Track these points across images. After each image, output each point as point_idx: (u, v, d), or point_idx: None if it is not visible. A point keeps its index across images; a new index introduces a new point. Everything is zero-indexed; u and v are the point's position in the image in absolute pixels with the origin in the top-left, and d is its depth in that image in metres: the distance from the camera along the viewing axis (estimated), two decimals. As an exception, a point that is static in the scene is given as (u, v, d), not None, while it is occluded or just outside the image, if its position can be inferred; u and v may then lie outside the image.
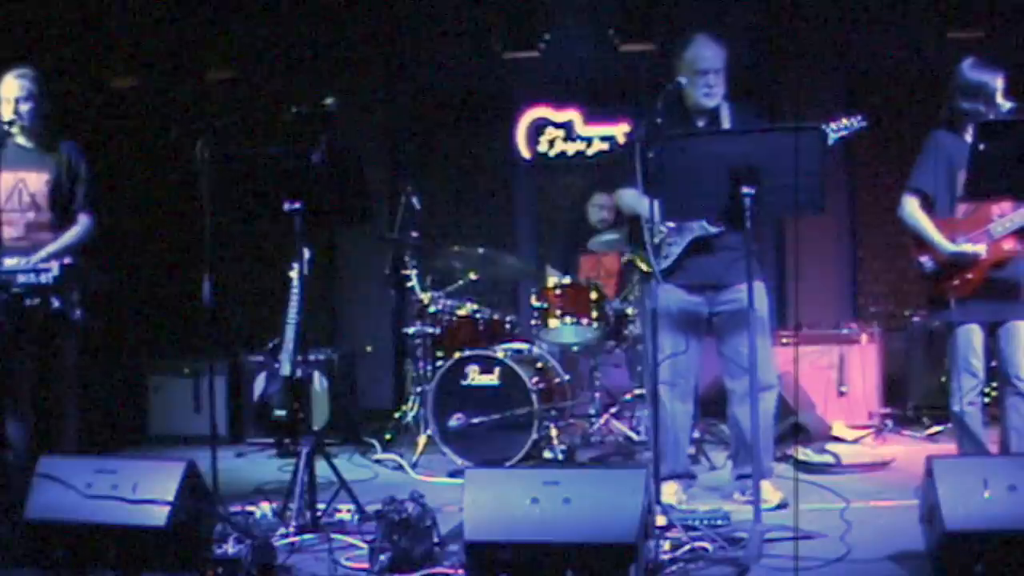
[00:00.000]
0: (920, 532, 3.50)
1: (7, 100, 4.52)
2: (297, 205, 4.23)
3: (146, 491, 3.46)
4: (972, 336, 4.34)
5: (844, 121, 4.23)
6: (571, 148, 7.94)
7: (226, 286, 7.35)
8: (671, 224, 4.38)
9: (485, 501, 3.34)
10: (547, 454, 5.49)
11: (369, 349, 7.48)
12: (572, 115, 7.93)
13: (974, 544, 3.21)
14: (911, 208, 4.42)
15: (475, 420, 5.35)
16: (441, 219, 7.58)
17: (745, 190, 3.66)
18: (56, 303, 4.36)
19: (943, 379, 6.15)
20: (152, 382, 6.76)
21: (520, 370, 5.34)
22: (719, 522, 3.87)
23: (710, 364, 4.74)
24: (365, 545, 3.67)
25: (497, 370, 5.39)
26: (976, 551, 3.21)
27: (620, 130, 7.73)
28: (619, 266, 6.64)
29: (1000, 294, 4.29)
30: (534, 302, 5.88)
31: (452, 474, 5.25)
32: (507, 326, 6.06)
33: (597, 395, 6.31)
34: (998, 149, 3.68)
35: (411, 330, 6.01)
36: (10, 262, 4.34)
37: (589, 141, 7.92)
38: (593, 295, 5.80)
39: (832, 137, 4.15)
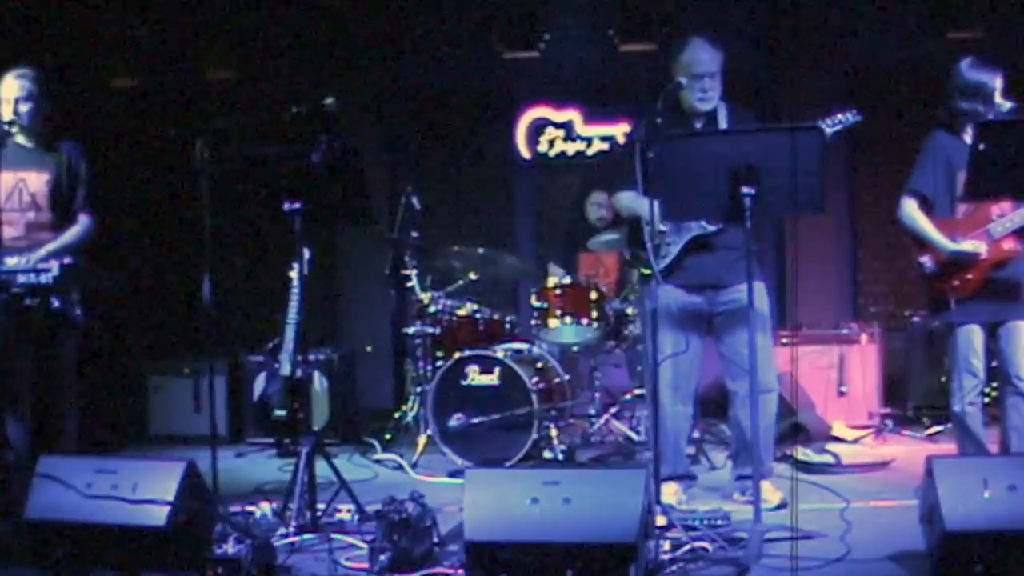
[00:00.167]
0: (920, 532, 3.50)
1: (7, 100, 4.52)
2: (297, 205, 4.23)
3: (146, 491, 3.46)
4: (972, 336, 4.35)
5: (839, 116, 4.24)
6: (571, 148, 7.94)
7: (226, 286, 7.35)
8: (668, 225, 4.38)
9: (485, 501, 3.34)
10: (547, 454, 5.49)
11: (369, 349, 7.49)
12: (572, 115, 7.93)
13: (974, 544, 3.21)
14: (910, 210, 4.42)
15: (475, 420, 5.35)
16: (441, 219, 7.58)
17: (745, 190, 3.67)
18: (56, 303, 4.36)
19: (943, 379, 6.15)
20: (152, 382, 6.75)
21: (520, 370, 5.34)
22: (719, 522, 3.87)
23: (710, 364, 4.74)
24: (365, 545, 3.66)
25: (497, 370, 5.39)
26: (976, 551, 3.21)
27: (620, 130, 7.73)
28: (619, 265, 6.64)
29: (1000, 294, 4.29)
30: (534, 302, 5.88)
31: (452, 474, 5.25)
32: (507, 326, 6.06)
33: (597, 395, 6.30)
34: (998, 149, 3.68)
35: (411, 330, 6.01)
36: (10, 261, 4.34)
37: (589, 141, 7.92)
38: (593, 295, 5.80)
39: (828, 132, 4.15)
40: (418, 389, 6.03)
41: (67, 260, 4.38)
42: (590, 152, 7.91)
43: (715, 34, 4.45)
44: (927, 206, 4.40)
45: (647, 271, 4.46)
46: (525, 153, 7.96)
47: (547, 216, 8.06)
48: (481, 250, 5.98)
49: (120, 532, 3.44)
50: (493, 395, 5.35)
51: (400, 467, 5.54)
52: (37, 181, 4.61)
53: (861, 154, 7.55)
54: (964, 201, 4.29)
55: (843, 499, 4.42)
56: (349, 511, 4.18)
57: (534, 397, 5.27)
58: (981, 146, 3.70)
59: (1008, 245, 4.26)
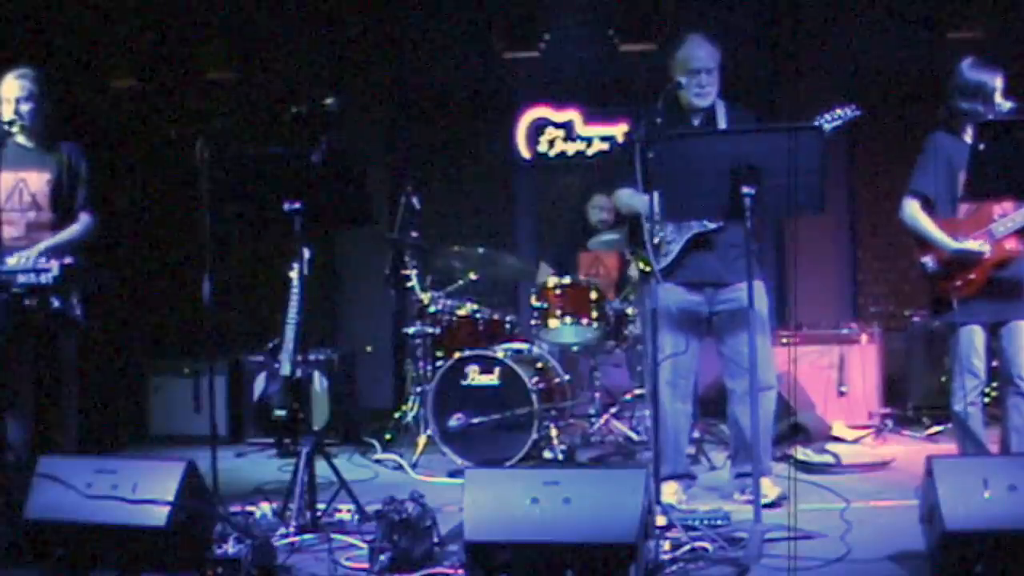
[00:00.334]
0: (920, 532, 3.50)
1: (8, 100, 4.52)
2: (297, 205, 4.23)
3: (146, 491, 3.46)
4: (974, 336, 4.34)
5: (837, 111, 4.24)
6: (571, 148, 7.94)
7: (226, 286, 7.35)
8: (668, 224, 4.38)
9: (485, 501, 3.34)
10: (547, 454, 5.49)
11: (369, 349, 7.48)
12: (572, 115, 7.93)
13: (974, 544, 3.21)
14: (912, 210, 4.42)
15: (475, 420, 5.35)
16: (441, 219, 7.58)
17: (745, 190, 3.66)
18: (56, 303, 4.36)
19: (943, 379, 6.15)
20: (152, 382, 6.75)
21: (520, 370, 5.34)
22: (719, 522, 3.87)
23: (710, 364, 4.74)
24: (365, 545, 3.66)
25: (497, 370, 5.39)
26: (976, 551, 3.21)
27: (620, 130, 7.73)
28: (619, 265, 6.64)
29: (1002, 294, 4.28)
30: (534, 302, 5.88)
31: (452, 474, 5.25)
32: (507, 326, 6.06)
33: (597, 395, 6.30)
34: (998, 149, 3.68)
35: (411, 330, 6.01)
36: (11, 261, 4.34)
37: (589, 141, 7.92)
38: (593, 295, 5.80)
39: (827, 128, 4.15)
40: (418, 389, 6.03)
41: (67, 260, 4.38)
42: (590, 152, 7.91)
43: (712, 32, 4.45)
44: (929, 206, 4.40)
45: (647, 269, 4.46)
46: (525, 153, 7.96)
47: (547, 216, 8.06)
48: (481, 250, 5.99)
49: (120, 532, 3.44)
50: (493, 395, 5.35)
51: (400, 467, 5.54)
52: (38, 181, 4.61)
53: (861, 154, 7.56)
54: (964, 201, 4.28)
55: (843, 499, 4.42)
56: (349, 511, 4.18)
57: (534, 397, 5.27)
58: (981, 146, 3.70)
59: (1010, 245, 4.25)
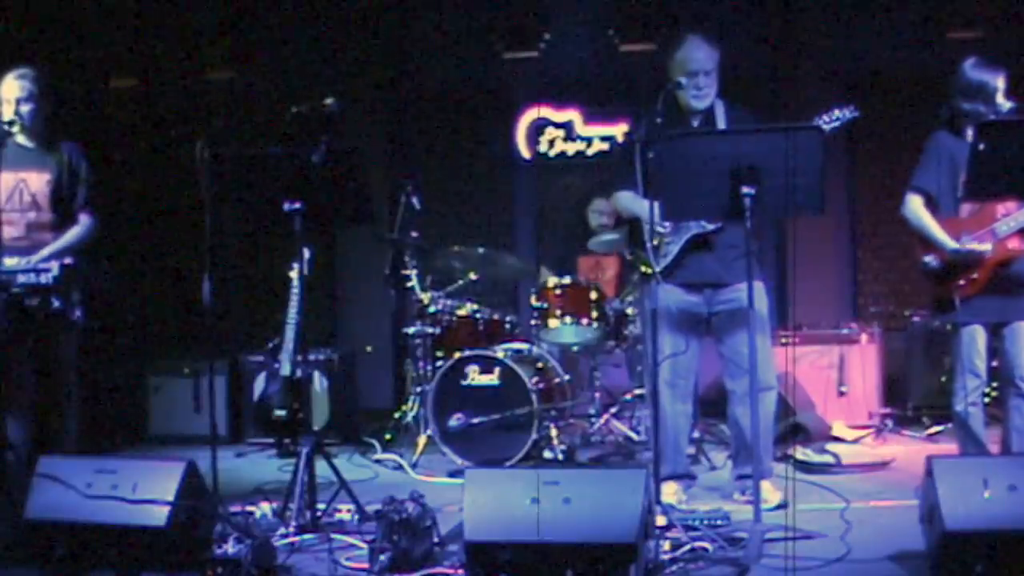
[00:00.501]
0: (920, 532, 3.50)
1: (8, 100, 4.52)
2: (297, 205, 4.23)
3: (146, 491, 3.47)
4: (976, 336, 4.34)
5: (836, 112, 4.24)
6: (571, 148, 7.94)
7: (226, 286, 7.35)
8: (668, 225, 4.38)
9: (485, 501, 3.34)
10: (547, 454, 5.49)
11: (369, 349, 7.48)
12: (572, 115, 7.93)
13: (974, 544, 3.21)
14: (915, 206, 4.42)
15: (475, 420, 5.35)
16: (441, 219, 7.58)
17: (745, 190, 3.66)
18: (56, 303, 4.36)
19: (943, 379, 6.16)
20: (152, 382, 6.75)
21: (520, 370, 5.34)
22: (719, 522, 3.87)
23: (710, 364, 4.74)
24: (365, 545, 3.66)
25: (497, 370, 5.39)
26: (976, 551, 3.21)
27: (620, 130, 7.72)
28: (619, 266, 6.64)
29: (1005, 293, 4.27)
30: (534, 302, 5.88)
31: (452, 474, 5.25)
32: (507, 326, 6.06)
33: (597, 395, 6.30)
34: (998, 149, 3.67)
35: (411, 330, 6.01)
36: (10, 262, 4.34)
37: (589, 141, 7.92)
38: (593, 295, 5.80)
39: (825, 130, 4.14)
40: (418, 389, 6.03)
41: (67, 260, 4.38)
42: (590, 152, 7.91)
43: (711, 32, 4.45)
44: (931, 205, 4.40)
45: (647, 270, 4.46)
46: (525, 153, 7.96)
47: (547, 216, 8.06)
48: (481, 250, 5.98)
49: (120, 532, 3.44)
50: (493, 395, 5.35)
51: (400, 467, 5.54)
52: (38, 181, 4.61)
53: (861, 154, 7.56)
54: (965, 201, 4.28)
55: (843, 499, 4.43)
56: (349, 511, 4.18)
57: (534, 397, 5.27)
58: (981, 146, 3.69)
59: (1013, 244, 4.25)
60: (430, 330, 5.90)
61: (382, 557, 3.47)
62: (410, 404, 6.18)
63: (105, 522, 3.46)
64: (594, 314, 5.77)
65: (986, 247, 4.24)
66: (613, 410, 6.30)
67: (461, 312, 5.96)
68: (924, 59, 7.17)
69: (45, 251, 4.50)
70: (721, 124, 4.45)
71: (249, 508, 4.15)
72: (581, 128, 7.93)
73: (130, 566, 3.46)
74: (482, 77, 7.86)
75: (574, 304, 5.78)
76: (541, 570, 3.28)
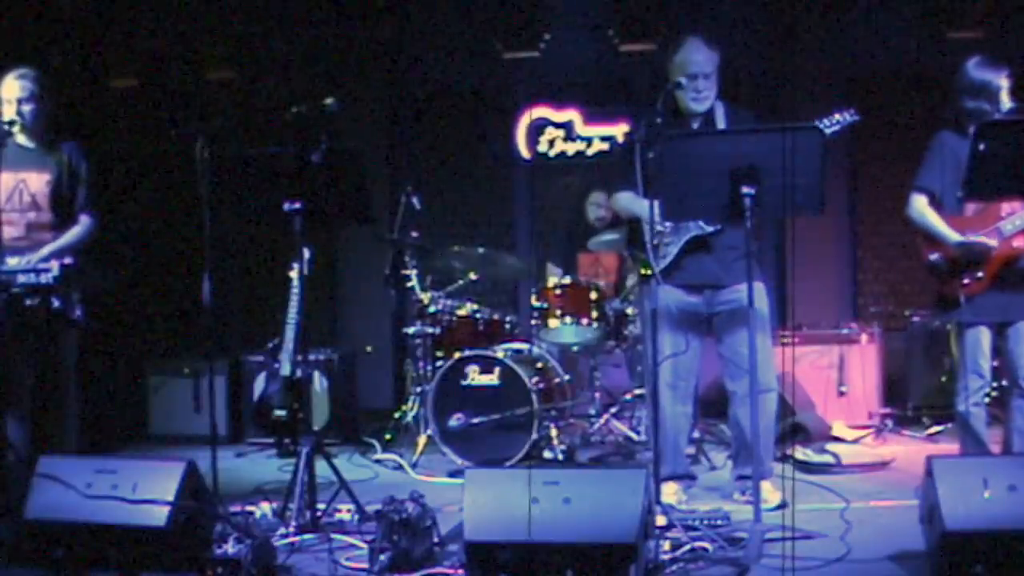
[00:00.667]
0: (920, 532, 3.50)
1: (8, 101, 4.52)
2: (297, 205, 4.23)
3: (146, 491, 3.47)
4: (980, 336, 4.33)
5: (837, 116, 4.24)
6: (571, 148, 7.94)
7: (226, 286, 7.35)
8: (667, 225, 4.38)
9: (485, 501, 3.34)
10: (547, 454, 5.49)
11: (369, 349, 7.48)
12: (572, 115, 7.93)
13: (974, 544, 3.21)
14: (919, 206, 4.41)
15: (475, 420, 5.35)
16: (441, 219, 7.58)
17: (745, 190, 3.66)
18: (56, 303, 4.36)
19: (943, 379, 6.17)
20: (152, 382, 6.75)
21: (520, 370, 5.34)
22: (719, 522, 3.87)
23: (710, 364, 4.74)
24: (365, 545, 3.67)
25: (497, 370, 5.39)
26: (976, 551, 3.21)
27: (620, 130, 7.73)
28: (619, 266, 6.64)
29: (1011, 292, 4.27)
30: (534, 302, 5.89)
31: (452, 474, 5.25)
32: (507, 326, 6.06)
33: (597, 395, 6.31)
34: (998, 149, 3.67)
35: (411, 330, 6.01)
36: (11, 262, 4.34)
37: (589, 141, 7.92)
38: (593, 295, 5.80)
39: (826, 133, 4.14)
40: (418, 389, 6.03)
41: (67, 260, 4.38)
42: (590, 152, 7.91)
43: (711, 34, 4.44)
44: (935, 204, 4.40)
45: (647, 271, 4.46)
46: (525, 153, 7.96)
47: (547, 216, 8.06)
48: (481, 250, 5.99)
49: (120, 532, 3.44)
50: (493, 395, 5.35)
51: (400, 467, 5.54)
52: (38, 181, 4.61)
53: (861, 154, 7.55)
54: (966, 200, 4.28)
55: (843, 499, 4.42)
56: (349, 511, 4.18)
57: (534, 397, 5.27)
58: (981, 146, 3.69)
59: (1018, 242, 4.23)
60: (430, 330, 5.90)
61: (382, 557, 3.47)
62: (410, 404, 6.18)
63: (105, 522, 3.46)
64: (594, 314, 5.78)
65: (991, 241, 4.23)
66: (613, 410, 6.30)
67: (461, 312, 5.96)
68: (924, 59, 7.17)
69: (44, 250, 4.50)
70: (721, 125, 4.45)
71: (249, 508, 4.15)
72: (581, 128, 7.93)
73: (130, 566, 3.46)
74: (482, 77, 7.87)
75: (574, 304, 5.78)
76: (541, 570, 3.28)
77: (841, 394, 6.38)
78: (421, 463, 5.55)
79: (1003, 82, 4.27)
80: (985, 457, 4.19)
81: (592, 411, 6.28)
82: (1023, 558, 3.19)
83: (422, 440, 5.66)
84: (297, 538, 3.94)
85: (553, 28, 7.61)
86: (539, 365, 5.66)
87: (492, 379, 5.39)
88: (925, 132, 4.53)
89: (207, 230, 3.99)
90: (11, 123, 4.43)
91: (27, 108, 4.53)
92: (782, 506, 4.26)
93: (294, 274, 5.46)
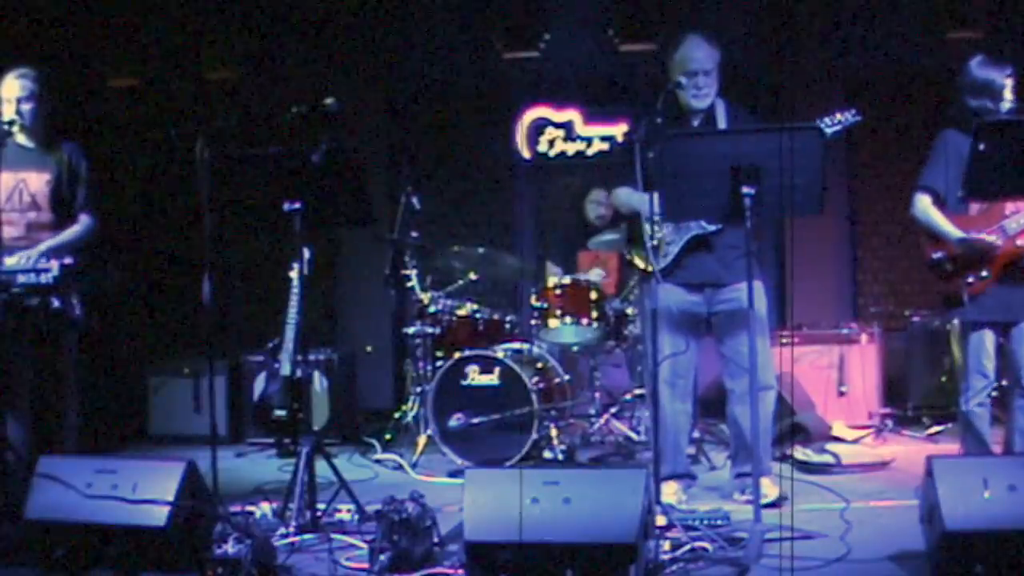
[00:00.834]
0: (920, 532, 3.50)
1: (8, 100, 4.52)
2: (297, 205, 4.23)
3: (146, 491, 3.47)
4: (984, 336, 4.33)
5: (838, 116, 4.24)
6: (571, 148, 7.94)
7: (226, 286, 7.36)
8: (667, 224, 4.38)
9: (485, 501, 3.34)
10: (547, 454, 5.49)
11: (369, 349, 7.48)
12: (572, 115, 7.93)
13: (974, 544, 3.21)
14: (923, 205, 4.41)
15: (475, 420, 5.35)
16: (441, 219, 7.58)
17: (745, 190, 3.66)
18: (56, 303, 4.36)
19: (943, 379, 6.17)
20: (152, 382, 6.75)
21: (520, 370, 5.34)
22: (719, 522, 3.87)
23: (710, 364, 4.74)
24: (365, 545, 3.67)
25: (497, 370, 5.39)
26: (976, 551, 3.21)
27: (620, 130, 7.73)
28: (619, 265, 6.64)
29: (1016, 291, 4.26)
30: (534, 302, 5.88)
31: (452, 474, 5.25)
32: (507, 326, 6.06)
33: (597, 395, 6.30)
34: (998, 149, 3.67)
35: (411, 330, 6.01)
36: (10, 261, 4.34)
37: (589, 141, 7.92)
38: (593, 295, 5.80)
39: (827, 133, 4.14)
40: (418, 389, 6.03)
41: (67, 260, 4.38)
42: (590, 152, 7.91)
43: (711, 31, 4.44)
44: (939, 203, 4.39)
45: (645, 266, 4.47)
46: (525, 153, 7.96)
47: (547, 216, 8.06)
48: (481, 250, 5.99)
49: (120, 532, 3.44)
50: (493, 395, 5.35)
51: (400, 467, 5.54)
52: (37, 181, 4.61)
53: (861, 154, 7.55)
54: (967, 200, 4.28)
55: (843, 499, 4.42)
56: (349, 511, 4.18)
57: (534, 397, 5.27)
58: (981, 146, 3.69)
59: (1023, 241, 4.24)
60: (430, 330, 5.90)
61: (382, 557, 3.47)
62: (410, 404, 6.18)
63: (105, 522, 3.46)
64: (594, 314, 5.77)
65: (993, 239, 4.23)
66: (613, 410, 6.30)
67: (461, 312, 5.96)
68: (924, 59, 7.17)
69: (42, 246, 4.49)
70: (721, 124, 4.45)
71: (249, 508, 4.15)
72: (581, 128, 7.93)
73: (130, 566, 3.46)
74: (482, 77, 7.86)
75: (574, 304, 5.78)
76: (541, 570, 3.28)
77: (841, 394, 6.38)
78: (421, 463, 5.55)
79: (1006, 81, 4.27)
80: (985, 457, 4.19)
81: (592, 411, 6.28)
82: (1023, 558, 3.19)
83: (422, 440, 5.66)
84: (297, 538, 3.94)
85: (553, 28, 7.61)
86: (539, 365, 5.66)
87: (492, 379, 5.39)
88: (925, 132, 4.53)
89: (207, 230, 3.99)
90: (11, 123, 4.42)
91: (27, 107, 4.53)
92: (781, 500, 4.26)
93: (294, 274, 5.46)
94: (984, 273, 4.27)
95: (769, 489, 4.29)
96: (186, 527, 3.47)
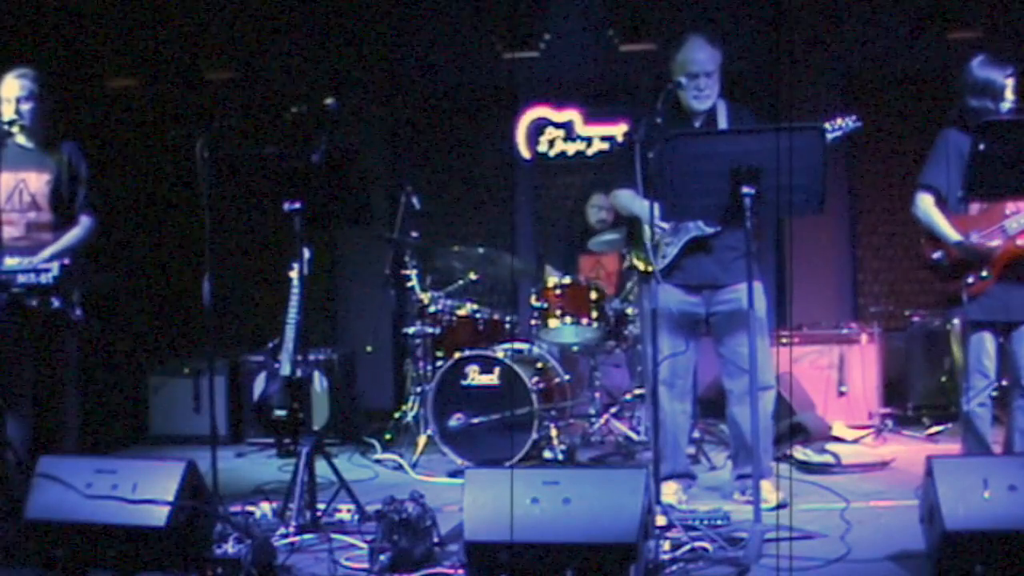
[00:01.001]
0: (920, 532, 3.50)
1: (8, 100, 4.52)
2: (297, 205, 4.23)
3: (146, 491, 3.46)
4: (984, 336, 4.33)
5: (839, 121, 4.23)
6: (571, 148, 7.94)
7: (226, 286, 7.35)
8: (667, 224, 4.38)
9: (485, 501, 3.34)
10: (547, 454, 5.49)
11: (369, 349, 7.49)
12: (572, 115, 7.93)
13: (974, 544, 3.21)
14: (925, 204, 4.41)
15: (475, 420, 5.35)
16: (441, 219, 7.58)
17: (745, 190, 3.66)
18: (56, 303, 4.36)
19: (943, 379, 6.17)
20: (152, 382, 6.75)
21: (520, 370, 5.34)
22: (719, 522, 3.87)
23: (710, 364, 4.74)
24: (365, 545, 3.67)
25: (497, 370, 5.39)
26: (976, 551, 3.21)
27: (620, 130, 7.73)
28: (619, 266, 6.64)
29: (1016, 291, 4.26)
30: (534, 302, 5.88)
31: (452, 474, 5.25)
32: (507, 326, 6.06)
33: (597, 395, 6.30)
34: (998, 149, 3.67)
35: (411, 330, 6.01)
36: (10, 262, 4.34)
37: (589, 141, 7.92)
38: (593, 295, 5.80)
39: (827, 139, 4.13)
40: (418, 389, 6.03)
41: (67, 260, 4.38)
42: (590, 152, 7.91)
43: (713, 33, 4.44)
44: (941, 202, 4.39)
45: (644, 266, 4.47)
46: (525, 153, 7.96)
47: (547, 216, 8.06)
48: (481, 250, 5.99)
49: (120, 532, 3.44)
50: (493, 395, 5.35)
51: (400, 467, 5.54)
52: (37, 181, 4.61)
53: (861, 154, 7.55)
54: (968, 200, 4.28)
55: (843, 499, 4.42)
56: (349, 511, 4.18)
57: (534, 397, 5.27)
58: (981, 146, 3.69)
59: (1023, 241, 4.24)
60: (430, 330, 5.90)
61: (382, 557, 3.47)
62: (410, 404, 6.18)
63: (105, 522, 3.45)
64: (594, 314, 5.77)
65: (995, 243, 4.23)
66: (613, 410, 6.30)
67: (461, 312, 5.96)
68: (924, 59, 7.17)
69: (46, 252, 4.50)
70: (723, 125, 4.44)
71: (249, 508, 4.15)
72: (581, 128, 7.93)
73: (130, 566, 3.46)
74: (482, 77, 7.87)
75: (574, 304, 5.78)
76: (541, 570, 3.28)
77: (841, 394, 6.38)
78: (421, 463, 5.55)
79: (1007, 81, 4.27)
80: (985, 457, 4.18)
81: (592, 411, 6.28)
82: (1023, 558, 3.19)
83: (422, 440, 5.66)
84: (297, 538, 3.94)
85: (553, 28, 7.62)
86: (539, 365, 5.66)
87: (492, 379, 5.39)
88: (925, 132, 4.53)
89: (207, 230, 3.99)
90: (11, 123, 4.42)
91: (26, 107, 4.52)
92: (781, 506, 4.26)
93: (294, 274, 5.46)
94: (984, 273, 4.27)
95: (770, 494, 4.29)
96: (186, 527, 3.47)
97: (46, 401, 4.60)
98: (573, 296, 5.80)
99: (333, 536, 3.82)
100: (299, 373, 5.29)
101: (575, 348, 6.18)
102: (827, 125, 4.18)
